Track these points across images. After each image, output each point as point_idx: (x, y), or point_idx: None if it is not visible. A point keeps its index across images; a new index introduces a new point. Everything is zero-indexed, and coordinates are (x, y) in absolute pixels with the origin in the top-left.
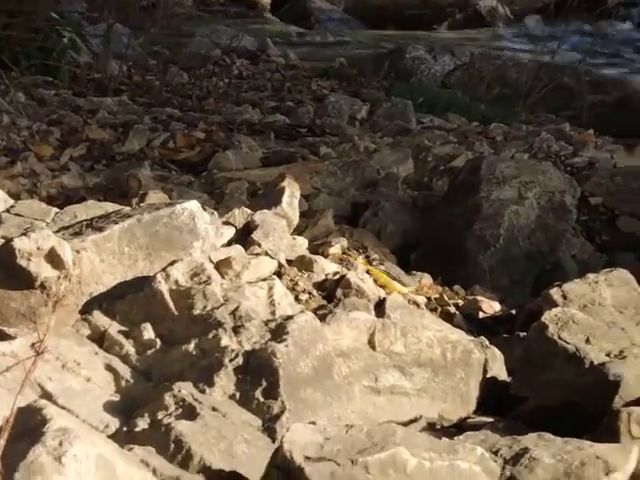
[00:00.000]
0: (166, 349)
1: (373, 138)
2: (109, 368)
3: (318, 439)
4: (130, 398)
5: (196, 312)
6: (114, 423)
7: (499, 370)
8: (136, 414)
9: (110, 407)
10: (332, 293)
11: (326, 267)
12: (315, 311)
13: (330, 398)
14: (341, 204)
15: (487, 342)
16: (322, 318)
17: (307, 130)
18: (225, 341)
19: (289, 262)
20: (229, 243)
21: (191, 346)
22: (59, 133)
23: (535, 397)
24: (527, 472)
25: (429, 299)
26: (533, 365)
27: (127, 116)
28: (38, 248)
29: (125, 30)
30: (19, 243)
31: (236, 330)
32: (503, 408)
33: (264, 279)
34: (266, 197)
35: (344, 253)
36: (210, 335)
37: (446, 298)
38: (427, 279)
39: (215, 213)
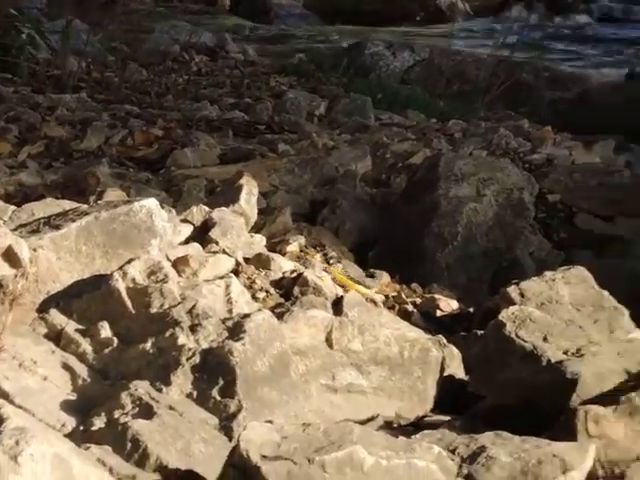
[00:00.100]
0: (123, 348)
1: (331, 135)
2: (66, 367)
3: (275, 438)
4: (87, 397)
5: (153, 310)
6: (71, 422)
7: (457, 368)
8: (93, 413)
9: (67, 406)
10: (289, 291)
11: (284, 265)
12: (272, 309)
13: (287, 397)
14: (299, 202)
15: (445, 340)
16: (279, 316)
17: (265, 127)
18: (182, 340)
19: (247, 260)
20: (187, 241)
21: (148, 345)
22: (17, 130)
23: (492, 395)
24: (484, 470)
25: (387, 297)
26: (491, 363)
27: (85, 113)
28: None
29: (84, 26)
30: None
31: (193, 328)
32: (460, 406)
33: (221, 277)
34: (224, 195)
35: (302, 251)
36: (167, 333)
37: (404, 296)
38: (385, 277)
39: (173, 211)
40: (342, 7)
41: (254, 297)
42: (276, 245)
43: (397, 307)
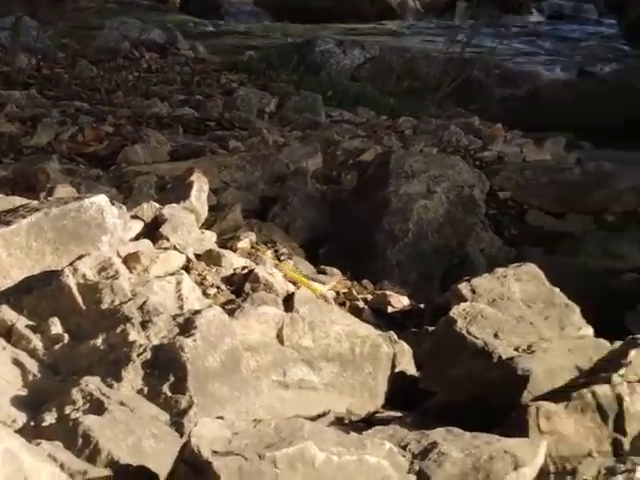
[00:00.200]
0: (74, 344)
1: (282, 132)
2: (16, 362)
3: (226, 434)
4: (37, 392)
5: (104, 307)
6: (21, 418)
7: (408, 364)
8: (43, 409)
9: (17, 401)
10: (240, 287)
11: (234, 261)
12: (223, 306)
13: (238, 393)
14: (250, 198)
15: (395, 336)
16: (230, 313)
17: (216, 124)
18: (133, 336)
19: (197, 256)
20: (137, 237)
21: (99, 341)
22: None
23: (443, 392)
24: (436, 466)
25: (338, 294)
26: (442, 360)
27: (35, 110)
28: None
29: (33, 23)
30: None
31: (144, 325)
32: (411, 403)
33: (172, 273)
34: (174, 191)
35: (253, 247)
36: (118, 330)
37: (355, 293)
38: (336, 274)
39: (123, 207)
40: (292, 4)
41: (205, 293)
42: (227, 242)
43: (348, 304)
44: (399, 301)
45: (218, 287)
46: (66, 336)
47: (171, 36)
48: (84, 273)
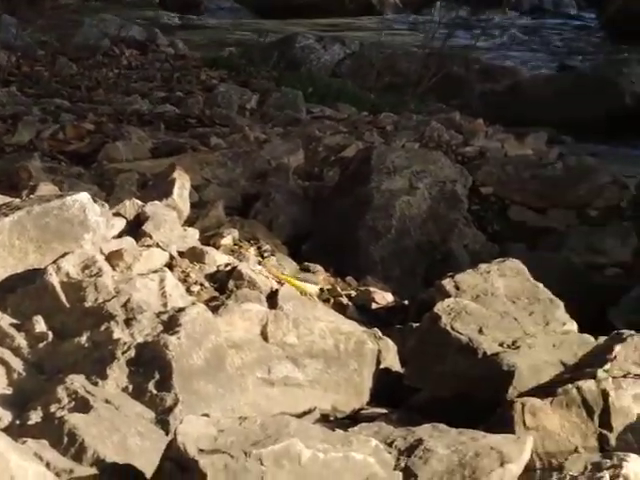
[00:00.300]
0: (58, 342)
1: (263, 128)
2: (1, 361)
3: (212, 431)
4: (22, 391)
5: (88, 304)
6: (6, 416)
7: (392, 361)
8: (29, 407)
9: (2, 400)
10: (224, 285)
11: (217, 258)
12: (207, 303)
13: (223, 390)
14: (232, 195)
15: (380, 333)
16: (214, 310)
17: (197, 121)
18: (117, 333)
19: (180, 254)
20: (120, 235)
21: (83, 339)
22: None
23: (429, 388)
24: (422, 463)
25: (321, 290)
26: (426, 356)
27: (16, 107)
28: None
29: (13, 21)
30: None
31: (128, 322)
32: (396, 399)
33: (155, 271)
34: (156, 188)
35: (235, 244)
36: (102, 327)
37: (339, 289)
38: (319, 270)
39: (105, 205)
40: (272, 0)
41: (188, 291)
42: (209, 239)
43: (332, 300)
44: (383, 297)
45: (202, 284)
46: (50, 334)
47: (151, 33)
48: (67, 271)
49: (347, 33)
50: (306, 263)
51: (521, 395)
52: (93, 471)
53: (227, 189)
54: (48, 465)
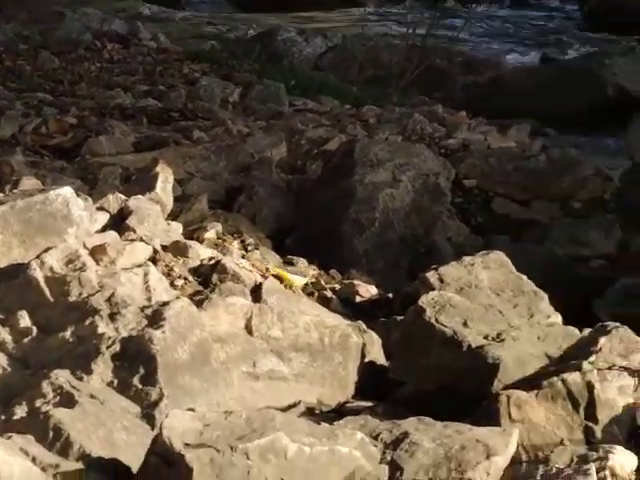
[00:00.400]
0: (43, 336)
1: (246, 122)
2: None
3: (197, 426)
4: (7, 386)
5: (72, 299)
6: None
7: (377, 354)
8: (14, 402)
9: None
10: (208, 278)
11: (201, 252)
12: (191, 297)
13: (208, 384)
14: (215, 189)
15: (364, 326)
16: (198, 304)
17: (179, 114)
18: (102, 328)
19: (164, 248)
20: (103, 229)
21: (68, 333)
22: None
23: (414, 381)
24: (408, 456)
25: (305, 284)
26: (411, 349)
27: None
28: None
29: None
30: None
31: (112, 317)
32: (381, 392)
33: (139, 265)
34: (140, 182)
35: (219, 238)
36: (86, 322)
37: (323, 282)
38: (303, 263)
39: (89, 199)
40: None
41: (172, 285)
42: (193, 232)
43: (316, 294)
44: (367, 290)
45: (185, 278)
46: (35, 329)
47: (133, 26)
48: (51, 266)
49: (328, 24)
50: (290, 256)
51: (506, 388)
52: (79, 466)
53: (210, 183)
54: (34, 460)
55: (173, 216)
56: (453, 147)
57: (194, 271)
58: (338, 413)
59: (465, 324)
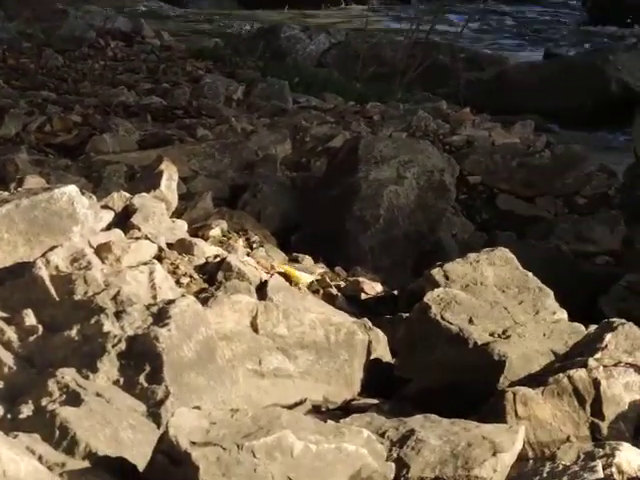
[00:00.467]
0: (48, 335)
1: (250, 119)
2: None
3: (203, 424)
4: (13, 385)
5: (77, 298)
6: None
7: (383, 351)
8: (20, 401)
9: None
10: (213, 276)
11: (206, 250)
12: (196, 295)
13: (214, 382)
14: (219, 186)
15: (370, 323)
16: (204, 302)
17: (183, 112)
18: (107, 326)
19: (169, 245)
20: (108, 227)
21: (73, 332)
22: None
23: (419, 378)
24: (414, 454)
25: (311, 281)
26: (417, 346)
27: (2, 100)
28: None
29: None
30: None
31: (118, 315)
32: (387, 390)
33: (144, 263)
34: (144, 180)
35: (224, 236)
36: (92, 320)
37: (328, 280)
38: (308, 261)
39: (93, 197)
40: None
41: (178, 283)
42: (198, 230)
43: (321, 291)
44: (372, 288)
45: (191, 276)
46: (40, 328)
47: (136, 24)
48: (57, 264)
49: (331, 20)
50: (295, 254)
51: (512, 385)
52: (85, 464)
53: (215, 180)
54: (40, 459)
55: (178, 214)
56: (457, 144)
57: (199, 269)
58: (344, 411)
59: (471, 321)
